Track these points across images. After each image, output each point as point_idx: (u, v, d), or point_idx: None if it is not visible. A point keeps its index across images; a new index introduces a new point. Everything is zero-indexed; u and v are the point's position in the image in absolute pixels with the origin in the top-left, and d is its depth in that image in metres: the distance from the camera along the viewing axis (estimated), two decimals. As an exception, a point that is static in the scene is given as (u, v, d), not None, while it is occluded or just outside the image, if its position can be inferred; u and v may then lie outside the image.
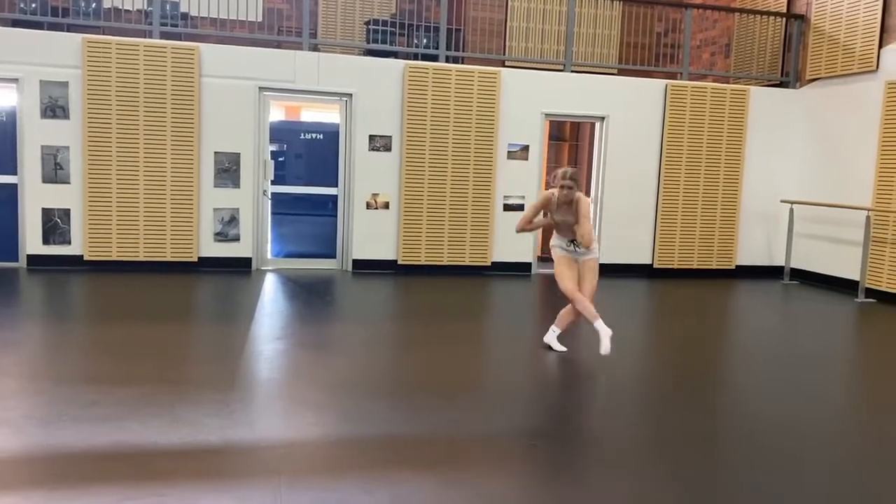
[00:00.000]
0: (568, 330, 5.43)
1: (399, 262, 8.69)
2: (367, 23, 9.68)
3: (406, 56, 9.03)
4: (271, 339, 5.52)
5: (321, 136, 9.08)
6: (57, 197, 7.86)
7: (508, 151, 8.88)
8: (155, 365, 4.70)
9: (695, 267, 9.48)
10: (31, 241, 7.87)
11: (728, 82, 10.00)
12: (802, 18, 9.50)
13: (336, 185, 8.67)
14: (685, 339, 6.26)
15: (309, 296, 7.29)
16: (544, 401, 4.49)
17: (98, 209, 7.89)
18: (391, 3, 10.50)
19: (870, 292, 8.25)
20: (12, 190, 7.85)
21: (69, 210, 7.89)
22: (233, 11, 8.78)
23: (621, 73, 9.78)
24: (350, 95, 8.45)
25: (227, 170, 8.21)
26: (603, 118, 9.16)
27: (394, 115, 8.55)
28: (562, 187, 5.09)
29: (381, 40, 9.23)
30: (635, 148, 9.23)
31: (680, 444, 3.79)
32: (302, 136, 9.19)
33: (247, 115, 8.20)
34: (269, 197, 8.52)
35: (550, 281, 8.76)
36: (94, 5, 8.29)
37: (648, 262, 9.32)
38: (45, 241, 7.88)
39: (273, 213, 8.67)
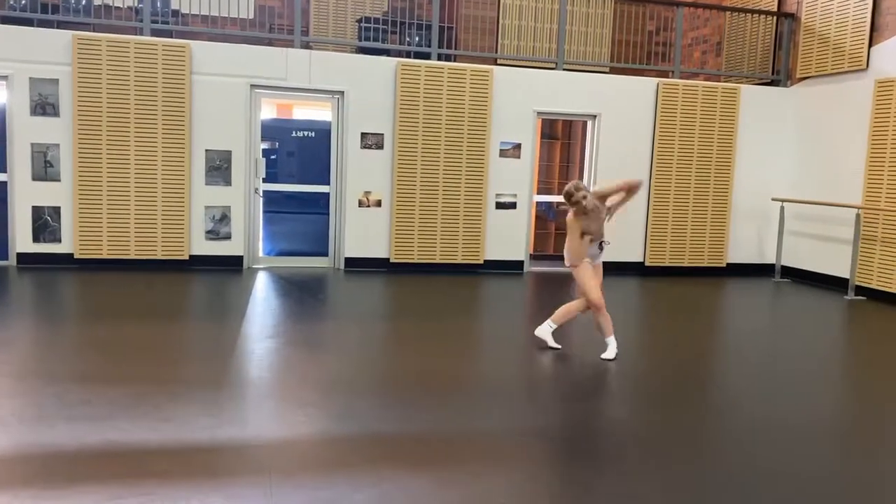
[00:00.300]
0: (563, 326, 5.43)
1: (391, 261, 8.68)
2: (360, 20, 9.66)
3: (398, 54, 9.02)
4: (263, 338, 5.51)
5: (313, 134, 9.07)
6: (47, 195, 7.82)
7: (501, 149, 8.89)
8: (146, 364, 4.69)
9: (686, 265, 9.52)
10: (21, 240, 7.83)
11: (719, 81, 10.03)
12: (793, 17, 9.54)
13: (328, 183, 8.65)
14: (676, 337, 6.28)
15: (300, 294, 7.29)
16: (535, 399, 4.50)
17: (88, 207, 7.86)
18: (383, 1, 10.48)
19: (860, 290, 8.30)
20: (2, 188, 7.81)
21: (59, 208, 7.85)
22: (224, 9, 8.75)
23: (613, 71, 9.79)
24: (342, 93, 8.44)
25: (219, 167, 8.19)
26: (595, 116, 9.18)
27: (386, 113, 8.54)
28: (584, 200, 5.05)
29: (373, 38, 9.21)
30: (627, 146, 9.25)
31: (671, 442, 3.81)
32: (294, 134, 9.18)
33: (238, 113, 8.18)
34: (261, 195, 8.50)
35: (542, 279, 8.82)
36: (84, 2, 8.24)
37: (640, 259, 9.34)
38: (36, 239, 7.84)
39: (265, 211, 8.65)
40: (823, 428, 4.20)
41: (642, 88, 9.25)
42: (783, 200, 9.38)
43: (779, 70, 9.75)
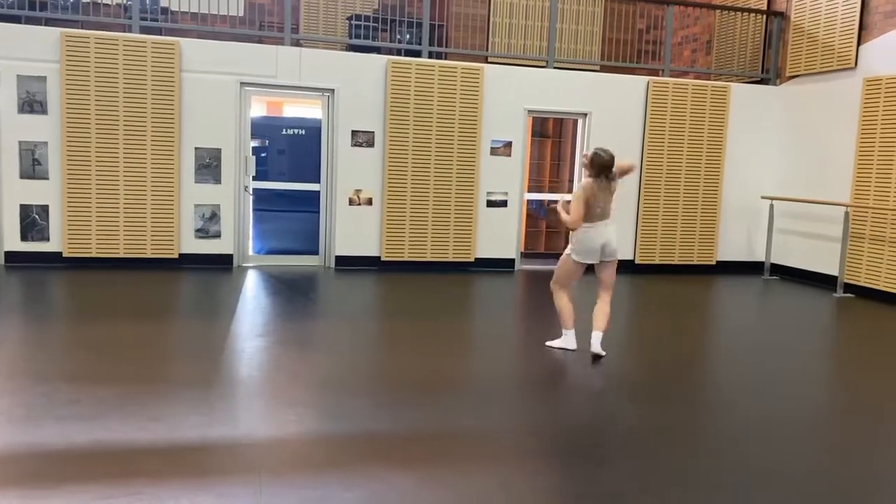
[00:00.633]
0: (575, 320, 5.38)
1: (382, 259, 8.67)
2: (350, 18, 9.64)
3: (389, 51, 9.00)
4: (253, 337, 5.49)
5: (303, 132, 9.05)
6: (35, 193, 7.77)
7: (491, 147, 8.89)
8: (135, 363, 4.67)
9: (676, 262, 9.55)
10: (9, 238, 7.78)
11: (709, 79, 10.07)
12: (782, 16, 9.58)
13: (318, 181, 8.63)
14: (666, 335, 6.30)
15: (291, 293, 7.27)
16: (527, 397, 4.51)
17: (77, 205, 7.81)
18: (374, -1, 10.46)
19: (848, 287, 8.35)
20: (-11, 186, 7.76)
21: (47, 206, 7.80)
22: (214, 6, 8.71)
23: (603, 69, 9.81)
24: (332, 91, 8.42)
25: (208, 165, 8.15)
26: (585, 115, 9.19)
27: (376, 111, 8.52)
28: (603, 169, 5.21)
29: (363, 36, 9.20)
30: (617, 144, 9.17)
31: (662, 439, 3.82)
32: (284, 132, 9.16)
33: (228, 111, 8.15)
34: (251, 193, 8.47)
35: (533, 277, 8.82)
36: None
37: (630, 257, 9.36)
38: (24, 237, 7.79)
39: (254, 210, 8.62)
40: (813, 425, 4.22)
41: (632, 87, 9.27)
42: (772, 198, 9.43)
43: (768, 69, 9.79)
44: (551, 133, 11.34)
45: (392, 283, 8.02)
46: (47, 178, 7.76)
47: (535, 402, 4.41)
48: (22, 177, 7.71)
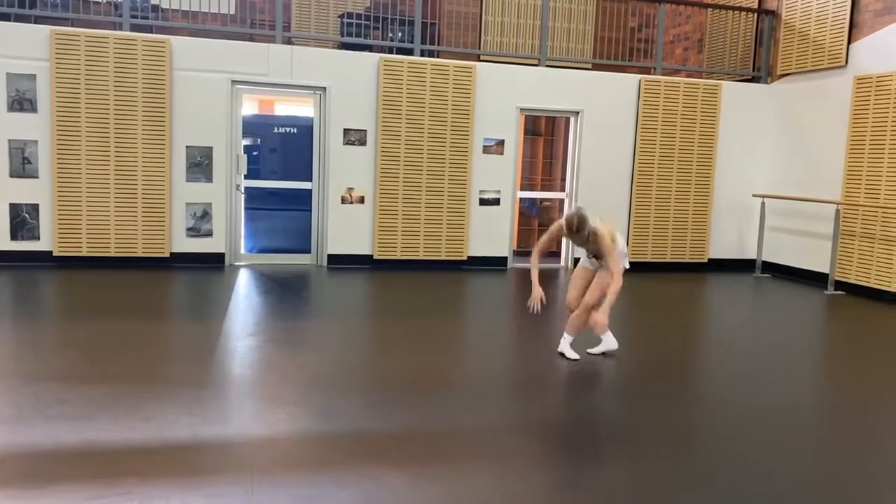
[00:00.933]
0: (580, 331, 5.29)
1: (375, 257, 8.66)
2: (342, 16, 9.62)
3: (381, 50, 8.99)
4: (244, 336, 5.48)
5: (295, 130, 9.02)
6: (25, 192, 7.72)
7: (484, 146, 8.89)
8: (126, 362, 4.64)
9: (668, 260, 9.58)
10: (-1, 237, 7.74)
11: (701, 77, 10.09)
12: (773, 14, 9.61)
13: (310, 180, 8.61)
14: (658, 332, 6.31)
15: (283, 292, 7.25)
16: (520, 395, 4.51)
17: (68, 204, 7.77)
18: (366, -3, 10.44)
19: (839, 285, 8.39)
20: (-21, 185, 7.71)
21: (37, 205, 7.76)
22: (205, 4, 8.68)
23: (595, 67, 9.82)
24: (324, 89, 8.40)
25: (200, 164, 8.12)
26: (577, 113, 9.20)
27: (368, 110, 8.51)
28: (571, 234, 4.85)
29: (355, 34, 9.18)
30: (609, 143, 9.29)
31: (656, 436, 3.83)
32: (276, 130, 9.13)
33: (219, 109, 8.12)
34: (243, 191, 8.44)
35: (526, 275, 8.82)
36: (62, -3, 8.15)
37: (623, 255, 9.38)
38: (14, 236, 7.75)
39: (246, 208, 8.60)
40: (804, 422, 4.24)
41: (624, 85, 9.28)
42: (764, 196, 9.46)
43: (759, 67, 9.82)
44: (543, 131, 11.34)
45: (384, 281, 8.01)
46: (37, 177, 7.72)
47: (528, 400, 4.41)
48: (12, 175, 7.67)
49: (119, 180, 7.86)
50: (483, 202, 8.96)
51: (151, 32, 8.21)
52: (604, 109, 9.19)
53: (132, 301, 6.52)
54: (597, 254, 5.03)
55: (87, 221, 7.84)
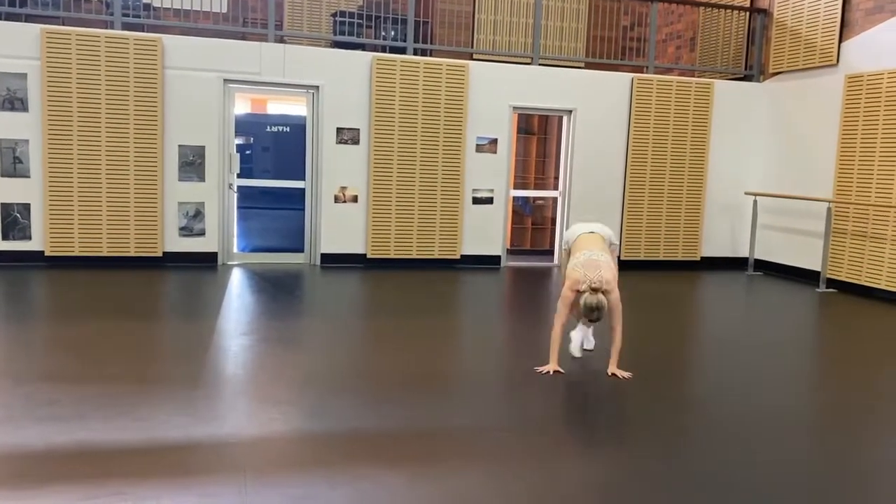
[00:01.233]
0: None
1: (368, 256, 8.66)
2: (334, 14, 9.61)
3: (374, 48, 8.98)
4: (237, 335, 5.47)
5: (288, 129, 9.00)
6: (16, 191, 7.69)
7: (477, 144, 8.89)
8: (118, 362, 4.63)
9: (661, 258, 9.60)
10: (-10, 237, 7.70)
11: (693, 76, 10.11)
12: (765, 13, 9.64)
13: (303, 179, 8.60)
14: (650, 330, 6.32)
15: (276, 291, 7.24)
16: (514, 394, 4.51)
17: (59, 203, 7.74)
18: (358, -5, 10.43)
19: (831, 282, 8.43)
20: (-31, 184, 7.67)
21: (29, 205, 7.72)
22: (197, 2, 8.65)
23: (588, 66, 9.84)
24: (317, 88, 8.38)
25: (192, 163, 8.10)
26: (570, 111, 9.21)
27: (361, 108, 8.50)
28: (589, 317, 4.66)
29: (348, 32, 9.17)
30: (602, 141, 9.30)
31: (649, 434, 3.84)
32: (268, 129, 9.10)
33: (212, 108, 8.10)
34: (235, 190, 8.42)
35: (519, 273, 8.84)
36: (53, -5, 8.11)
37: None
38: (5, 236, 7.71)
39: (239, 207, 8.58)
40: (796, 418, 4.25)
41: (617, 83, 9.30)
42: (756, 194, 9.49)
43: (751, 65, 9.85)
44: (536, 130, 11.36)
45: (378, 280, 8.00)
46: (28, 177, 7.68)
47: (522, 399, 4.41)
48: (3, 175, 7.63)
49: (111, 179, 7.83)
50: (476, 201, 8.96)
51: (143, 31, 8.19)
52: (597, 108, 9.20)
53: (125, 301, 6.50)
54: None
55: (79, 221, 7.81)
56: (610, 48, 10.47)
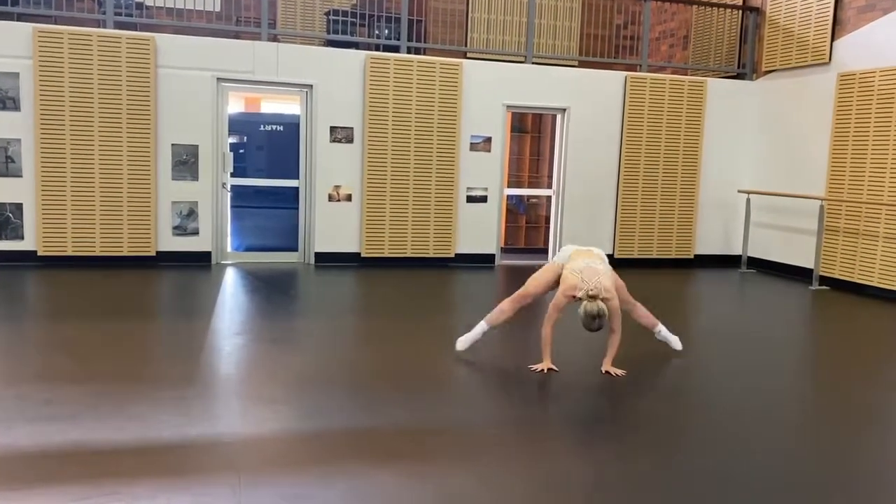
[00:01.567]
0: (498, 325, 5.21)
1: (362, 255, 8.65)
2: (328, 13, 9.60)
3: (367, 47, 8.97)
4: (231, 335, 5.46)
5: (281, 128, 8.99)
6: (8, 191, 7.66)
7: (471, 143, 8.90)
8: (111, 362, 4.62)
9: (654, 256, 9.62)
10: (-18, 237, 7.67)
11: (686, 74, 10.14)
12: (758, 11, 9.66)
13: (297, 178, 8.59)
14: (643, 327, 6.33)
15: (270, 290, 7.23)
16: (508, 392, 4.52)
17: (52, 203, 7.71)
18: (352, -6, 10.42)
19: (823, 280, 8.46)
20: (-39, 184, 7.63)
21: (21, 204, 7.70)
22: (190, 1, 8.63)
23: (582, 65, 9.85)
24: (310, 86, 8.37)
25: (185, 162, 8.08)
26: (564, 110, 9.22)
27: (355, 107, 8.49)
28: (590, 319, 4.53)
29: (341, 31, 9.16)
30: (596, 139, 9.32)
31: (644, 432, 3.85)
32: (262, 128, 9.09)
33: (205, 107, 8.08)
34: (229, 189, 8.41)
35: (514, 272, 8.85)
36: (44, -6, 8.08)
37: (609, 252, 9.42)
38: (-3, 236, 7.69)
39: (233, 206, 8.56)
40: (790, 416, 4.27)
41: (610, 82, 9.31)
42: (749, 192, 9.52)
43: (744, 63, 9.88)
44: (530, 128, 11.37)
45: (372, 279, 8.00)
46: (21, 176, 7.65)
47: (516, 397, 4.42)
48: (-5, 174, 7.61)
49: (104, 179, 7.81)
50: (470, 199, 8.97)
51: (136, 30, 8.16)
52: (590, 106, 9.22)
53: (118, 300, 6.48)
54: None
55: (72, 220, 7.78)
56: (603, 47, 10.48)
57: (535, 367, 4.81)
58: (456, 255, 8.95)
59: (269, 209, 8.95)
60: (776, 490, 3.20)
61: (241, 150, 8.90)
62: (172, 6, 8.42)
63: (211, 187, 8.19)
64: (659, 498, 3.10)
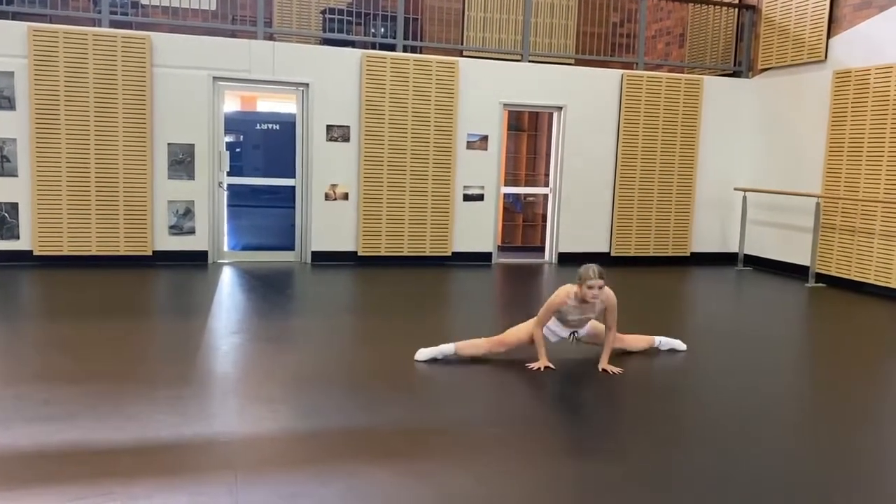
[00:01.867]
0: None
1: (359, 254, 8.65)
2: (324, 11, 9.58)
3: (363, 45, 8.96)
4: (227, 334, 5.45)
5: (278, 127, 8.98)
6: (4, 191, 7.64)
7: (468, 141, 8.89)
8: (108, 362, 4.61)
9: (651, 254, 9.63)
10: (-22, 237, 7.65)
11: (682, 72, 10.14)
12: (754, 9, 9.67)
13: (293, 177, 8.58)
14: (641, 325, 6.34)
15: (266, 289, 7.22)
16: (506, 391, 4.52)
17: (48, 203, 7.69)
18: (348, -8, 10.40)
19: (820, 277, 8.48)
20: (-43, 184, 7.61)
21: (17, 204, 7.68)
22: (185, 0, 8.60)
23: (578, 63, 9.85)
24: (307, 85, 8.36)
25: (182, 161, 8.07)
26: (560, 108, 9.22)
27: (352, 106, 8.49)
28: (590, 287, 4.65)
29: (337, 29, 9.15)
30: (592, 137, 9.32)
31: (641, 430, 3.85)
32: (258, 127, 9.08)
33: (201, 106, 8.06)
34: (225, 188, 8.40)
35: (510, 270, 8.85)
36: (39, -7, 8.05)
37: (606, 250, 9.43)
38: (-7, 236, 7.67)
39: (229, 205, 8.55)
40: (787, 414, 4.28)
41: (607, 80, 9.31)
42: (745, 190, 9.53)
43: (740, 61, 9.88)
44: (527, 127, 11.37)
45: (369, 277, 8.00)
46: (16, 176, 7.64)
47: (514, 396, 4.42)
48: (-10, 174, 7.59)
49: (100, 178, 7.79)
50: (467, 198, 8.96)
51: (131, 29, 8.14)
52: (586, 104, 9.22)
53: (114, 300, 6.47)
54: (583, 324, 4.93)
55: (68, 220, 7.76)
56: (599, 45, 10.48)
57: (532, 365, 4.82)
58: (453, 253, 8.95)
59: (266, 208, 8.94)
60: (775, 489, 3.21)
61: (238, 149, 8.89)
62: (168, 5, 8.41)
63: (207, 186, 8.17)
64: (658, 497, 3.11)
